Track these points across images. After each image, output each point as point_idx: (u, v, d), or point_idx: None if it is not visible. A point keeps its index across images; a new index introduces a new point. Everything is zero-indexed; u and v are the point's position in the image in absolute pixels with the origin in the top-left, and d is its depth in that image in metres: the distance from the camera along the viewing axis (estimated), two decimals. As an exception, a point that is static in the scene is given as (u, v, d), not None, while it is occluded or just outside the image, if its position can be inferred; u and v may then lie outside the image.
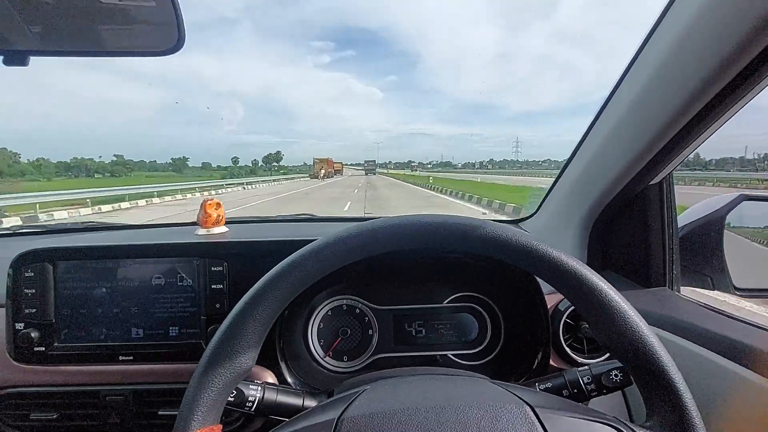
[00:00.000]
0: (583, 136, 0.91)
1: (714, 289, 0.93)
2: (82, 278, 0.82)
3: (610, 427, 0.43)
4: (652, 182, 0.84)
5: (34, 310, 0.80)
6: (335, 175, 61.49)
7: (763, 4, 0.49)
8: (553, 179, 1.09)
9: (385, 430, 0.41)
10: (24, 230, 1.31)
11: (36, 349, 0.80)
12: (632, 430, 0.42)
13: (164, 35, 0.56)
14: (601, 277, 0.48)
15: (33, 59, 0.54)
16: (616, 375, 0.58)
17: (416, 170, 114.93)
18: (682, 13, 0.60)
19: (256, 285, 0.48)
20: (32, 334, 0.79)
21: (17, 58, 0.54)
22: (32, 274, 0.81)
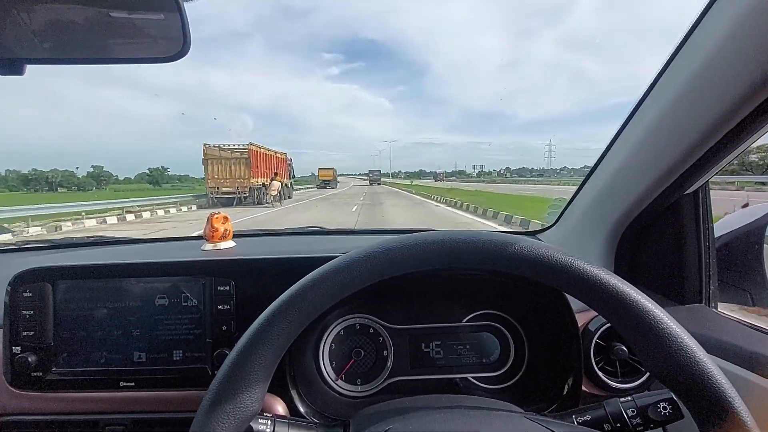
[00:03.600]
0: (609, 144, 0.86)
1: (754, 305, 0.87)
2: (83, 299, 0.77)
3: None
4: (686, 191, 0.79)
5: (32, 332, 0.76)
6: (327, 185, 46.28)
7: None
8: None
9: None
10: (26, 246, 1.28)
11: (33, 374, 0.76)
12: None
13: (169, 41, 0.52)
14: (649, 299, 0.43)
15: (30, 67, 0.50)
16: (664, 407, 0.52)
17: (442, 179, 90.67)
18: (723, 17, 0.56)
19: (261, 316, 0.44)
20: (30, 359, 0.75)
21: (15, 66, 0.51)
22: (31, 294, 0.77)
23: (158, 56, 0.52)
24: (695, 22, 0.61)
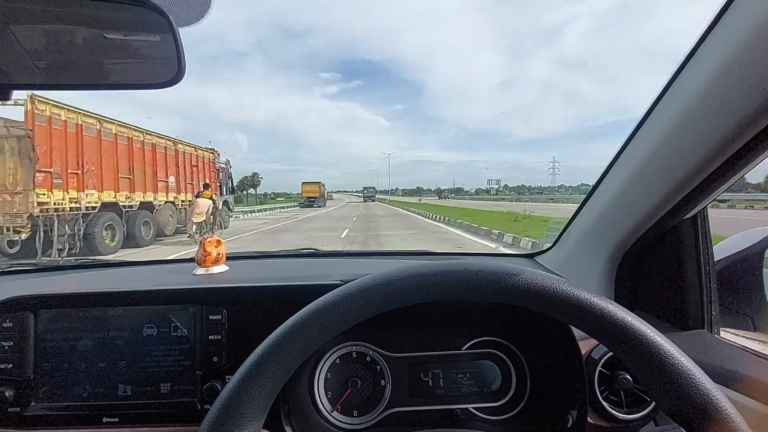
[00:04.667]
0: (608, 167, 0.86)
1: (755, 331, 0.86)
2: (66, 328, 0.74)
3: None
4: (686, 216, 0.79)
5: (11, 365, 0.72)
6: (313, 204, 38.63)
7: None
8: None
9: None
10: (8, 270, 1.24)
11: (10, 410, 0.72)
12: None
13: (165, 67, 0.51)
14: (656, 330, 0.42)
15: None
16: None
17: (447, 196, 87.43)
18: (724, 43, 0.56)
19: (254, 353, 0.42)
20: (7, 393, 0.71)
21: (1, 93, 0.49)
22: (11, 324, 0.73)
23: (152, 82, 0.51)
24: (693, 49, 0.61)
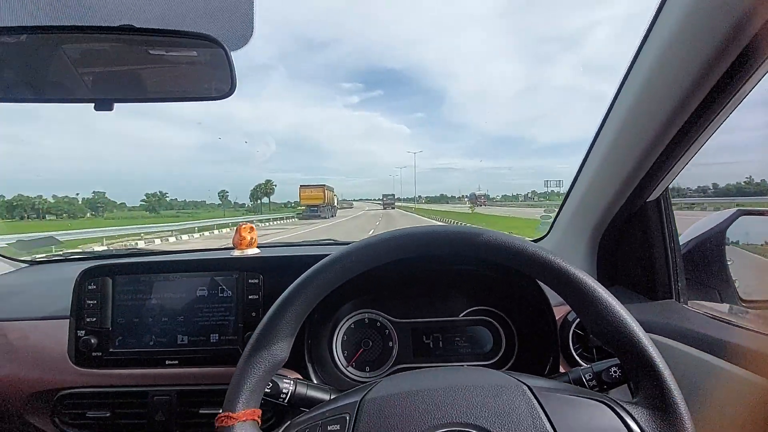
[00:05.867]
0: (585, 156, 0.98)
1: (722, 302, 0.96)
2: (136, 291, 0.93)
3: (600, 403, 0.49)
4: (649, 198, 0.91)
5: (94, 319, 0.92)
6: (315, 215, 30.65)
7: (730, 19, 0.55)
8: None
9: (402, 407, 0.49)
10: (74, 257, 1.47)
11: (94, 354, 0.91)
12: (621, 405, 0.48)
13: (220, 82, 0.69)
14: (585, 272, 0.54)
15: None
16: (614, 371, 0.63)
17: (483, 203, 73.32)
18: (660, 37, 0.68)
19: (289, 287, 0.57)
20: (92, 340, 0.90)
21: (105, 104, 0.68)
22: (94, 287, 0.93)
23: (210, 96, 0.69)
24: (641, 42, 0.74)
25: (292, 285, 0.58)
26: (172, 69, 0.73)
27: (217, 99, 0.69)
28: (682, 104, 0.68)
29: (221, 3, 0.72)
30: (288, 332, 0.56)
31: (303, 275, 0.58)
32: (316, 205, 32.02)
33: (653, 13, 0.69)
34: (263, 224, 24.89)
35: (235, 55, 0.72)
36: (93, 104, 0.68)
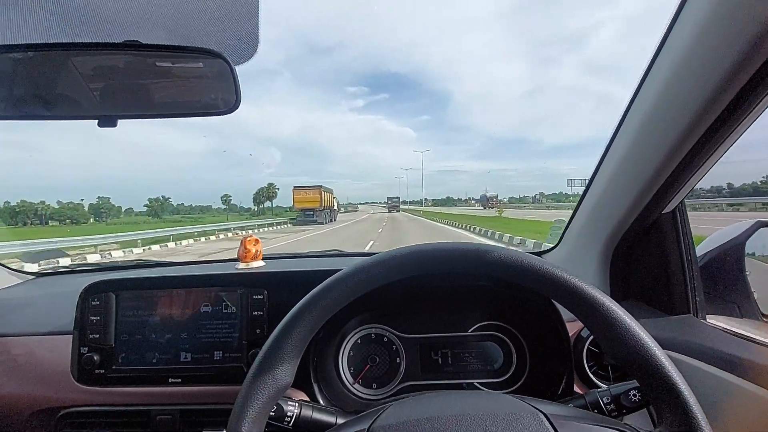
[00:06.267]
0: (597, 166, 0.96)
1: (742, 317, 0.93)
2: (140, 307, 0.92)
3: None
4: (665, 211, 0.88)
5: (98, 335, 0.90)
6: (312, 220, 27.64)
7: (752, 28, 0.53)
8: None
9: None
10: (80, 268, 1.46)
11: (97, 371, 0.89)
12: None
13: (224, 97, 0.68)
14: (602, 293, 0.52)
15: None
16: (634, 395, 0.60)
17: (495, 205, 64.47)
18: (678, 45, 0.66)
19: (293, 308, 0.56)
20: (95, 358, 0.89)
21: (109, 121, 0.67)
22: (98, 303, 0.92)
23: (215, 110, 0.68)
24: (655, 53, 0.71)
25: (295, 307, 0.56)
26: (176, 84, 0.72)
27: (222, 114, 0.68)
28: (702, 113, 0.65)
29: (227, 18, 0.71)
30: (293, 355, 0.54)
31: (306, 297, 0.56)
32: (312, 209, 28.31)
33: (670, 17, 0.66)
34: (241, 233, 19.21)
35: (241, 62, 0.71)
36: (97, 120, 0.67)
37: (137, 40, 0.67)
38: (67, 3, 0.69)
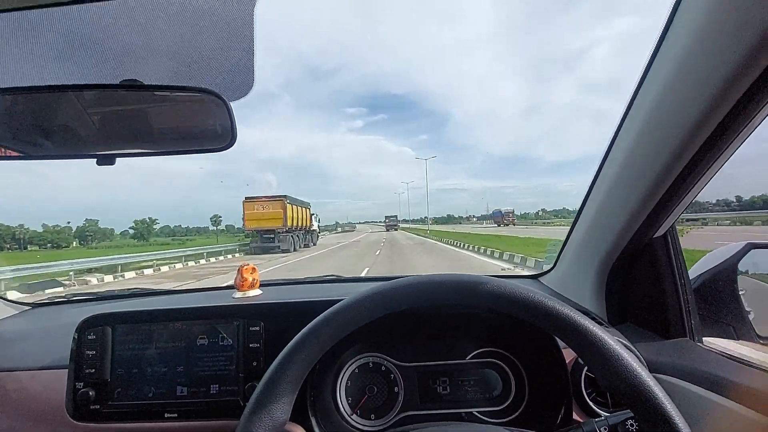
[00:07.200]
0: (589, 188, 0.97)
1: (737, 339, 0.93)
2: (136, 340, 0.91)
3: None
4: (656, 235, 0.89)
5: (94, 370, 0.89)
6: (269, 247, 17.74)
7: (736, 57, 0.54)
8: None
9: None
10: (75, 298, 1.45)
11: (92, 407, 0.88)
12: None
13: (221, 134, 0.70)
14: (592, 322, 0.52)
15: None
16: (631, 424, 0.60)
17: (512, 221, 57.75)
18: (663, 70, 0.67)
19: (289, 344, 0.56)
20: (90, 393, 0.88)
21: (108, 159, 0.69)
22: (94, 336, 0.91)
23: (212, 147, 0.70)
24: (640, 80, 0.73)
25: (290, 343, 0.56)
26: (173, 123, 0.74)
27: (218, 150, 0.70)
28: (688, 140, 0.66)
29: (222, 57, 0.74)
30: (289, 391, 0.54)
31: (302, 332, 0.57)
32: (271, 229, 18.34)
33: (656, 40, 0.67)
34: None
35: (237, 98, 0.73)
36: (95, 159, 0.68)
37: (135, 79, 0.69)
38: (64, 41, 0.71)
